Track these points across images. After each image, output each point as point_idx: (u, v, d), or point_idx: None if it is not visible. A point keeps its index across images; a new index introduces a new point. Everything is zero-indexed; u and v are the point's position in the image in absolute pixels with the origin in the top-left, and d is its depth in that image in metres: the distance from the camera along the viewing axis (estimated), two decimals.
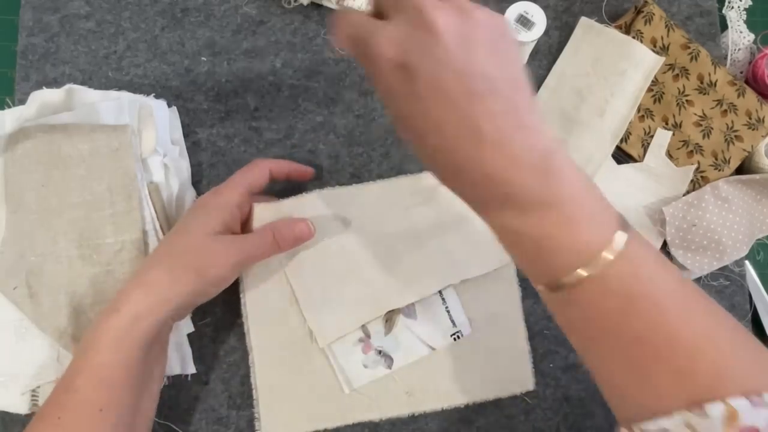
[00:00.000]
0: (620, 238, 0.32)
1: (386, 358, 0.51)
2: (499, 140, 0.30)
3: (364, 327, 0.51)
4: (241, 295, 0.51)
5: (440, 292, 0.52)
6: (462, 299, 0.52)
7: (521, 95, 0.31)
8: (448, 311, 0.52)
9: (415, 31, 0.30)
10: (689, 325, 0.32)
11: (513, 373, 0.52)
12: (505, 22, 0.32)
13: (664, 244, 0.54)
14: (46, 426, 0.41)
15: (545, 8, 0.51)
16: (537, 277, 0.34)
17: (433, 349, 0.51)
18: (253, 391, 0.50)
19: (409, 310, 0.52)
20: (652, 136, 0.55)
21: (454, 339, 0.52)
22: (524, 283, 0.53)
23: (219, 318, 0.53)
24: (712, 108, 0.56)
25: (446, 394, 0.51)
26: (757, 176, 0.54)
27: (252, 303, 0.51)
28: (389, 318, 0.52)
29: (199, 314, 0.52)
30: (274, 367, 0.51)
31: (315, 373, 0.51)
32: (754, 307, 0.55)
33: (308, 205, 0.51)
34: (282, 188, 0.54)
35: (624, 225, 0.33)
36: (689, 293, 0.33)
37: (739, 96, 0.56)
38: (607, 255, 0.31)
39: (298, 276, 0.51)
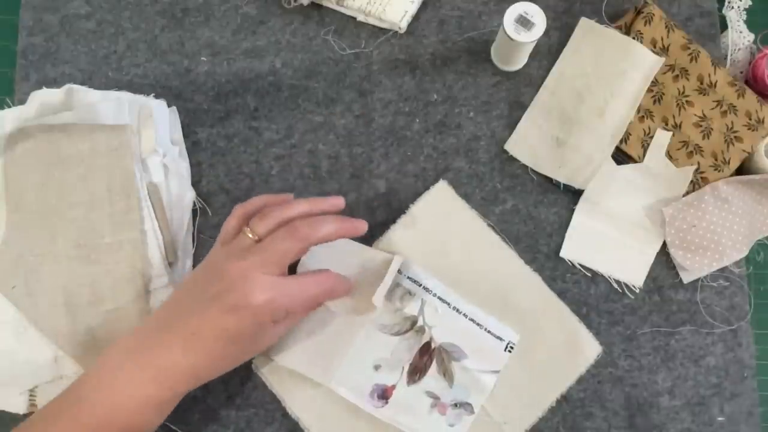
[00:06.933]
0: None
1: (465, 406, 0.51)
2: None
3: (428, 392, 0.50)
4: None
5: (471, 319, 0.52)
6: (495, 314, 0.52)
7: None
8: (488, 332, 0.52)
9: None
10: None
11: (576, 346, 0.52)
12: None
13: (664, 245, 0.54)
14: None
15: (545, 8, 0.51)
16: None
17: (497, 371, 0.51)
18: None
19: (457, 353, 0.51)
20: (651, 137, 0.55)
21: (509, 351, 0.51)
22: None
23: None
24: (712, 109, 0.56)
25: (532, 402, 0.52)
26: (756, 177, 0.54)
27: None
28: (445, 370, 0.51)
29: None
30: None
31: None
32: (754, 307, 0.55)
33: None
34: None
35: None
36: None
37: (739, 97, 0.55)
38: None
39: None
